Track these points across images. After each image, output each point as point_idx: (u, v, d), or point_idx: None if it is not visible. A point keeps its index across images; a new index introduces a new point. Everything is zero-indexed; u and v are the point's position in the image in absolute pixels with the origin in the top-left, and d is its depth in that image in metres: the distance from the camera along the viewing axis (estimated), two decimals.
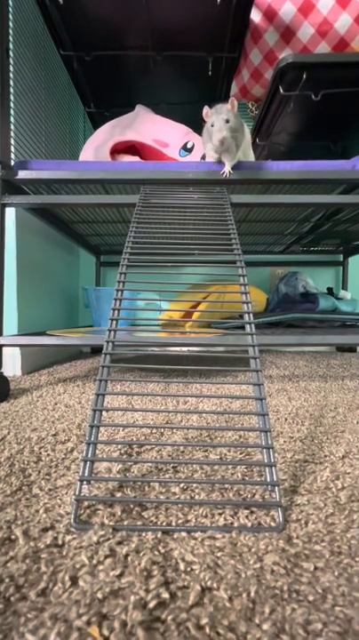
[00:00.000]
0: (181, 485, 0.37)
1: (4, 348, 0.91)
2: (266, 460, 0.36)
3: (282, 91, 0.85)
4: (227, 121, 0.70)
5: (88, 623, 0.21)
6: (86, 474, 0.34)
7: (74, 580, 0.24)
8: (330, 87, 0.86)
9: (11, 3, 0.78)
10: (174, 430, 0.54)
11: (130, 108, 1.07)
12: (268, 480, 0.34)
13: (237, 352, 1.33)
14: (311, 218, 1.09)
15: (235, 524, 0.31)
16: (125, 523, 0.31)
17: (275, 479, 0.34)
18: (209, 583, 0.24)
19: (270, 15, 0.93)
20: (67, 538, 0.29)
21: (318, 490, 0.37)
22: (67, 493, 0.36)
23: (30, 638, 0.20)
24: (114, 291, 0.50)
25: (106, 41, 0.98)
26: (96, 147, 0.89)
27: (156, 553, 0.27)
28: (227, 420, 0.60)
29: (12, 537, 0.29)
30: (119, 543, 0.28)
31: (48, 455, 0.45)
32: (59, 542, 0.28)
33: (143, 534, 0.29)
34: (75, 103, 1.35)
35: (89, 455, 0.35)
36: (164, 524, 0.31)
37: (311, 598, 0.23)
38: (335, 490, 0.37)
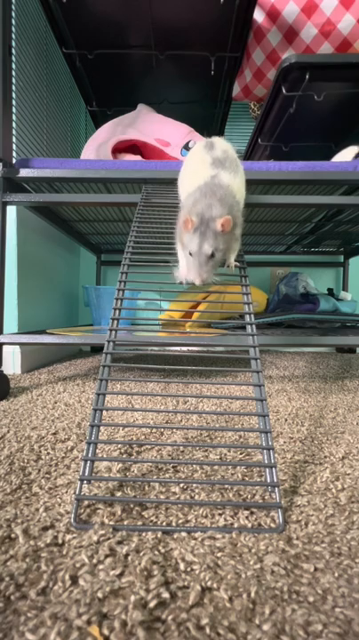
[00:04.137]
0: (181, 485, 0.37)
1: (5, 347, 0.91)
2: (266, 461, 0.36)
3: (284, 91, 0.85)
4: (213, 255, 0.48)
5: (88, 622, 0.21)
6: (86, 473, 0.34)
7: (74, 580, 0.24)
8: (332, 88, 0.86)
9: (13, 0, 0.78)
10: (174, 430, 0.54)
11: (132, 106, 1.07)
12: (268, 481, 0.34)
13: (237, 352, 1.33)
14: (312, 218, 1.09)
15: (236, 525, 0.31)
16: (125, 522, 0.31)
17: (275, 480, 0.34)
18: (209, 583, 0.24)
19: (273, 15, 0.93)
20: (68, 537, 0.29)
21: (318, 491, 0.37)
22: (67, 492, 0.36)
23: (30, 637, 0.20)
24: (114, 290, 0.50)
25: (108, 39, 0.98)
26: (98, 145, 0.89)
27: (157, 553, 0.27)
28: (227, 420, 0.60)
29: (12, 535, 0.29)
30: (119, 543, 0.28)
31: (48, 454, 0.45)
32: (60, 541, 0.28)
33: (143, 534, 0.29)
34: (77, 101, 1.35)
35: (89, 454, 0.35)
36: (164, 523, 0.31)
37: (311, 599, 0.23)
38: (335, 491, 0.37)
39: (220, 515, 0.32)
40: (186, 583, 0.24)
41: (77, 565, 0.26)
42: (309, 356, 1.37)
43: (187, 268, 0.50)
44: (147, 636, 0.20)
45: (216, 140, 0.60)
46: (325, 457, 0.45)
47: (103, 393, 0.40)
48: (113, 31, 0.95)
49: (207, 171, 0.54)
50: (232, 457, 0.45)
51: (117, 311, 0.48)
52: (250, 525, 0.31)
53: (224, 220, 0.47)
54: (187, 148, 0.93)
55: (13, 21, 0.78)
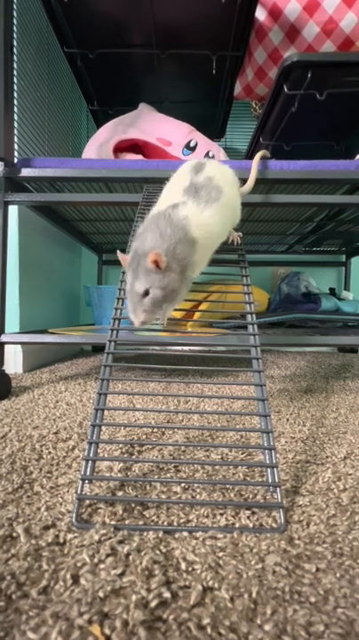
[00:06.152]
0: (182, 485, 0.37)
1: (6, 346, 0.91)
2: (267, 461, 0.36)
3: (286, 90, 0.85)
4: (147, 293, 0.42)
5: (89, 622, 0.21)
6: (88, 473, 0.34)
7: (75, 579, 0.24)
8: (334, 86, 0.85)
9: None
10: (175, 430, 0.54)
11: (133, 106, 1.06)
12: (270, 481, 0.34)
13: (239, 352, 1.33)
14: (314, 218, 1.08)
15: (237, 525, 0.31)
16: (127, 522, 0.31)
17: (276, 480, 0.34)
18: (210, 583, 0.24)
19: (275, 14, 0.92)
20: (69, 536, 0.29)
21: (320, 491, 0.37)
22: (68, 492, 0.36)
23: (31, 636, 0.20)
24: (115, 289, 0.50)
25: (110, 38, 0.97)
26: (99, 145, 0.89)
27: (158, 552, 0.27)
28: (229, 420, 0.59)
29: (14, 534, 0.29)
30: (120, 542, 0.28)
31: (49, 453, 0.45)
32: (61, 540, 0.28)
33: (144, 533, 0.29)
34: (78, 101, 1.34)
35: (90, 454, 0.35)
36: (166, 523, 0.31)
37: (313, 600, 0.23)
38: (337, 491, 0.37)
39: (222, 514, 0.32)
40: (187, 583, 0.24)
41: (78, 565, 0.26)
42: (311, 356, 1.37)
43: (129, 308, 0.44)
44: (148, 636, 0.20)
45: (210, 162, 0.53)
46: (327, 457, 0.45)
47: (104, 392, 0.40)
48: (114, 30, 0.95)
49: (176, 197, 0.48)
50: (233, 457, 0.45)
51: (119, 311, 0.48)
52: (251, 525, 0.31)
53: (152, 254, 0.40)
54: (188, 147, 0.93)
55: (15, 20, 0.78)
